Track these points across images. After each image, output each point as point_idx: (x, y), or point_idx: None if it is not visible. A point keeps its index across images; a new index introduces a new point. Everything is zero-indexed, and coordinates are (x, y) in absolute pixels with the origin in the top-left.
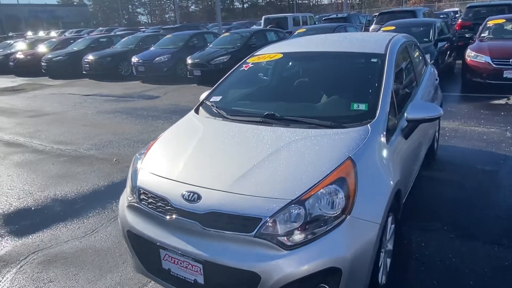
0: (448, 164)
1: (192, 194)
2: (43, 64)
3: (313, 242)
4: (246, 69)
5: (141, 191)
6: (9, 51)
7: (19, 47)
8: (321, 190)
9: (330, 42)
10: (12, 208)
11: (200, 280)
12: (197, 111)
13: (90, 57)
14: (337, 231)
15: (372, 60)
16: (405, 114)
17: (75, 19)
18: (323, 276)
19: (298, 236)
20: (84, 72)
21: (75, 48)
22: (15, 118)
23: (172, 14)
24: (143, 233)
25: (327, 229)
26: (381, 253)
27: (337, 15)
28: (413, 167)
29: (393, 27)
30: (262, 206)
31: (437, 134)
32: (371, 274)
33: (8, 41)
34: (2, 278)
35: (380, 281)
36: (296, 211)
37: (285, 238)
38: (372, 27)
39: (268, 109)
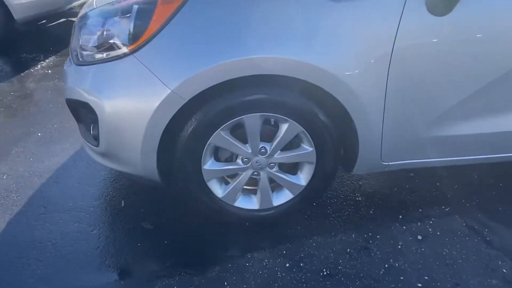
0: None
1: None
2: None
3: (90, 66)
4: None
5: None
6: None
7: None
8: (123, 5)
9: None
10: None
11: None
12: None
13: None
14: (110, 66)
15: None
16: None
17: None
18: (88, 111)
19: (84, 55)
20: None
21: None
22: None
23: None
24: None
25: (105, 57)
26: (205, 147)
27: None
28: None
29: None
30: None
31: None
32: (156, 154)
33: None
34: None
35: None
36: (94, 24)
37: (79, 52)
38: None
39: None
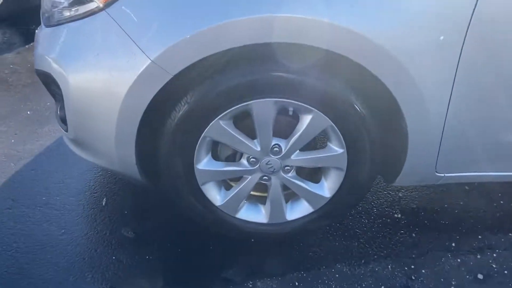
0: None
1: None
2: None
3: (57, 27)
4: None
5: None
6: None
7: None
8: None
9: None
10: None
11: None
12: None
13: None
14: (78, 25)
15: None
16: None
17: None
18: (54, 85)
19: (55, 13)
20: None
21: None
22: None
23: None
24: None
25: (73, 14)
26: (198, 140)
27: None
28: None
29: None
30: None
31: None
32: (134, 145)
33: None
34: None
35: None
36: None
37: (50, 10)
38: None
39: None
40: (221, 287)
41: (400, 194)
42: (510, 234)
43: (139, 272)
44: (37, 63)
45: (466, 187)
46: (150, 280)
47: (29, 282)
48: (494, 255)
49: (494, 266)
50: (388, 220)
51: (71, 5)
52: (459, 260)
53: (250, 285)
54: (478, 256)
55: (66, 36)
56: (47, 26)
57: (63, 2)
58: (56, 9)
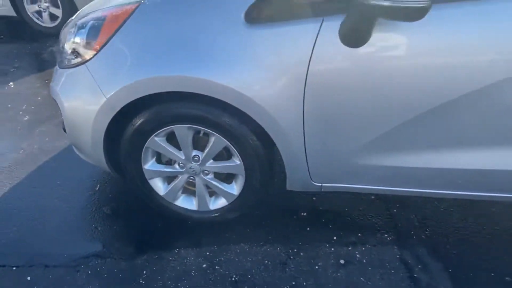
0: None
1: None
2: None
3: (63, 70)
4: None
5: None
6: None
7: None
8: (87, 18)
9: None
10: None
11: None
12: None
13: None
14: (72, 71)
15: None
16: None
17: None
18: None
19: (64, 59)
20: None
21: None
22: None
23: None
24: None
25: (71, 63)
26: (142, 149)
27: None
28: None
29: None
30: None
31: None
32: (102, 152)
33: None
34: None
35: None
36: (72, 32)
37: (61, 56)
38: None
39: None
40: (156, 252)
41: (315, 198)
42: (385, 235)
43: (105, 237)
44: (51, 91)
45: (372, 197)
46: (114, 242)
47: (43, 239)
48: (363, 248)
49: (358, 256)
50: (295, 216)
51: (71, 56)
52: (332, 249)
53: (176, 251)
54: (349, 248)
55: (65, 77)
56: (59, 67)
57: (68, 55)
58: (63, 58)
